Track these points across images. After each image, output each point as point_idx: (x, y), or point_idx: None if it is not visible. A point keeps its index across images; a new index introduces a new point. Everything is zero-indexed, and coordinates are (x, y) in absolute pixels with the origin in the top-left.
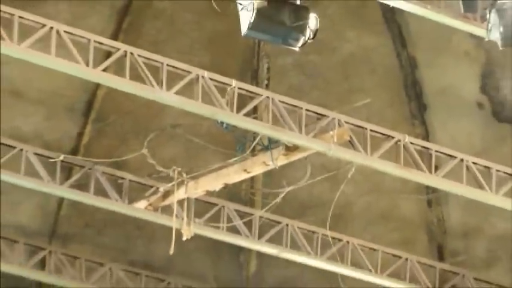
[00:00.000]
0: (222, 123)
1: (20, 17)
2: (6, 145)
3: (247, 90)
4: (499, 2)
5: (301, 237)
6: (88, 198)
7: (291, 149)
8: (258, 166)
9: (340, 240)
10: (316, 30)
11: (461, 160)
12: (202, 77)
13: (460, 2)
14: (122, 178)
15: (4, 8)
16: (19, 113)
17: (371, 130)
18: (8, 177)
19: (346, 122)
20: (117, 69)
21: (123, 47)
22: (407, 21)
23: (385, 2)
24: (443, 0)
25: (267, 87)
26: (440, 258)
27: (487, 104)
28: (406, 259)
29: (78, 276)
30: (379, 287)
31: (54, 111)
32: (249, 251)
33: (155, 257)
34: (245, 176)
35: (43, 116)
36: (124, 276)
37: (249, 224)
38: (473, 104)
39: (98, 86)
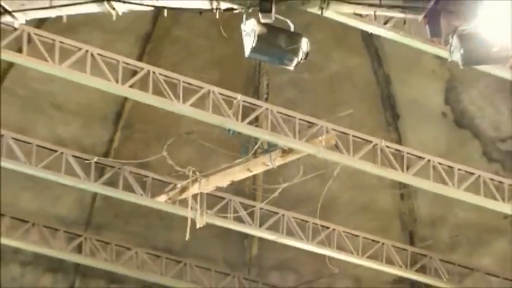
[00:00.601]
0: (229, 130)
1: (61, 42)
2: (49, 149)
3: (250, 103)
4: (459, 28)
5: (295, 225)
6: (117, 193)
7: (286, 151)
8: (259, 166)
9: (327, 228)
10: (308, 52)
11: (429, 161)
12: (213, 92)
13: (427, 28)
14: (146, 176)
15: (47, 34)
16: (60, 122)
17: (353, 136)
18: (50, 175)
19: (333, 129)
20: (142, 85)
21: (146, 67)
22: (383, 45)
23: (364, 29)
24: (413, 26)
25: (267, 100)
26: (411, 243)
27: (449, 114)
28: (383, 244)
29: (109, 258)
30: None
31: (89, 120)
32: (251, 237)
33: (173, 243)
34: (248, 174)
35: (80, 124)
36: (147, 259)
37: (251, 215)
38: (439, 114)
39: (125, 99)
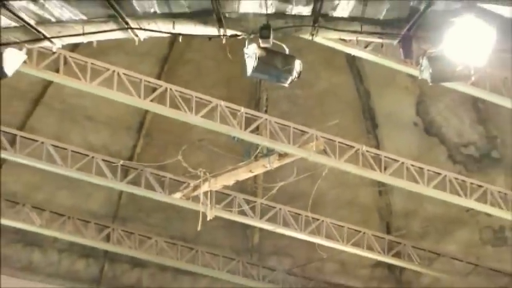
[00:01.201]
0: (234, 137)
1: (92, 63)
2: (82, 154)
3: (251, 114)
4: (428, 51)
5: (290, 217)
6: (140, 191)
7: (282, 155)
8: (259, 168)
9: (317, 219)
10: (300, 72)
11: (402, 163)
12: (220, 105)
13: (401, 51)
14: (164, 177)
15: (80, 56)
16: (91, 131)
17: (339, 142)
18: (83, 176)
19: (321, 137)
20: (160, 100)
21: (164, 84)
22: (363, 65)
23: (348, 52)
24: (389, 49)
25: (266, 112)
26: (388, 232)
27: (420, 123)
28: (364, 233)
29: (133, 246)
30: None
31: (116, 130)
32: (253, 227)
33: (187, 232)
34: (250, 174)
35: (108, 133)
36: (165, 246)
37: (253, 209)
38: (411, 123)
39: (146, 111)
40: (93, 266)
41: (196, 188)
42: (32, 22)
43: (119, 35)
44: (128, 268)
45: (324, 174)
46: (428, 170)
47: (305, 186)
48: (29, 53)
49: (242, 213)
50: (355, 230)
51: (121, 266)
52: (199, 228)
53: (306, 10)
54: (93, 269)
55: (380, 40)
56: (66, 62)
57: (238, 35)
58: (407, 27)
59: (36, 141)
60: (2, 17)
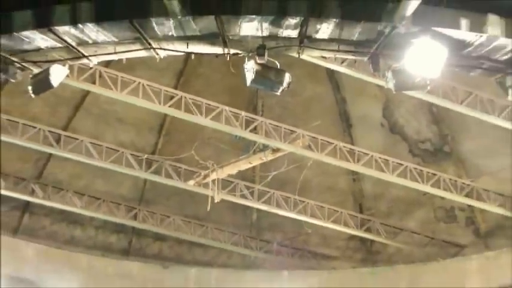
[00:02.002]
0: (236, 136)
1: (122, 76)
2: (114, 149)
3: (250, 117)
4: (392, 66)
5: (282, 200)
6: (160, 179)
7: (275, 150)
8: (257, 160)
9: (303, 201)
10: (289, 83)
11: (372, 156)
12: (225, 110)
13: (371, 66)
14: (180, 167)
15: (112, 71)
16: (121, 131)
17: (321, 139)
18: (115, 167)
19: (307, 135)
20: (177, 105)
21: (180, 93)
22: (341, 77)
23: (328, 66)
24: (361, 65)
25: (262, 115)
26: (360, 211)
27: (386, 124)
28: (341, 212)
29: (155, 223)
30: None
31: (141, 130)
32: (252, 208)
33: (199, 212)
34: (249, 166)
35: (135, 132)
36: (181, 223)
37: (252, 193)
38: (378, 124)
39: (166, 115)
40: (123, 239)
41: (206, 176)
42: (74, 43)
43: (143, 53)
44: (151, 241)
45: (309, 165)
46: (392, 162)
47: (294, 175)
48: (71, 68)
49: (243, 196)
50: (334, 210)
51: (145, 239)
52: (208, 208)
53: (293, 33)
54: (123, 242)
55: (353, 57)
56: (101, 75)
57: (239, 53)
58: (375, 46)
59: (77, 139)
60: (49, 39)
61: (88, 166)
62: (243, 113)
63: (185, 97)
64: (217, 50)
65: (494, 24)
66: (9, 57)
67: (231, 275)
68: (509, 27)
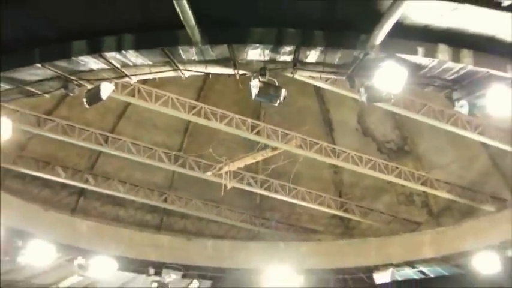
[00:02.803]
0: (244, 138)
1: (155, 91)
2: (150, 148)
3: (254, 123)
4: (365, 83)
5: (279, 187)
6: (185, 171)
7: (274, 149)
8: (260, 156)
9: (296, 188)
10: (285, 97)
11: (348, 153)
12: (235, 117)
13: (348, 83)
14: (200, 162)
15: (148, 87)
16: (155, 134)
17: (309, 140)
18: (150, 161)
19: (298, 137)
20: (198, 114)
21: (200, 104)
22: (325, 92)
23: (315, 84)
24: (341, 82)
25: (264, 121)
26: (340, 196)
27: (360, 129)
28: (325, 196)
29: (181, 205)
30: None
31: (170, 132)
32: (256, 193)
33: (215, 196)
34: (254, 161)
35: (166, 135)
36: (201, 205)
37: (256, 182)
38: (354, 129)
39: (189, 121)
40: (156, 218)
41: (220, 169)
42: (118, 66)
43: (172, 74)
44: (178, 219)
45: (300, 160)
46: (364, 158)
47: (288, 168)
48: (116, 85)
49: (249, 184)
50: (319, 195)
51: (174, 218)
52: (222, 193)
53: (288, 58)
54: (156, 220)
55: (335, 77)
56: (139, 90)
57: (246, 74)
58: (352, 68)
59: (121, 140)
60: (99, 62)
61: (129, 161)
62: (249, 120)
63: (204, 107)
64: (229, 71)
65: (443, 51)
66: (68, 76)
67: (239, 245)
68: (455, 54)
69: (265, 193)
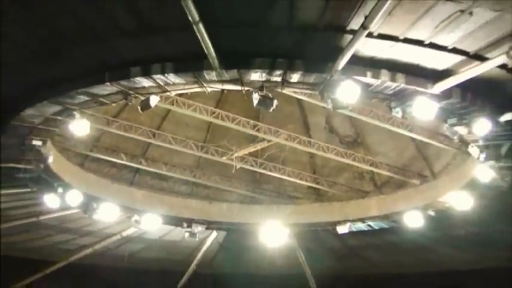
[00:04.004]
0: (248, 133)
1: (188, 101)
2: (183, 140)
3: (255, 123)
4: (331, 96)
5: (272, 167)
6: (208, 156)
7: (269, 141)
8: (259, 146)
9: (284, 168)
10: (276, 105)
11: (320, 144)
12: (242, 119)
13: (319, 96)
14: (218, 149)
15: (182, 98)
16: (187, 130)
17: (293, 135)
18: (183, 149)
19: (286, 133)
20: (217, 117)
21: (218, 110)
22: (304, 102)
23: (297, 96)
24: (315, 95)
25: (262, 122)
26: (314, 173)
27: (327, 127)
28: (304, 173)
29: (206, 179)
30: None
31: (197, 129)
32: (256, 171)
33: (228, 173)
34: (255, 149)
35: (195, 131)
36: (219, 179)
37: (256, 163)
38: (323, 128)
39: (211, 122)
40: (187, 188)
41: (232, 155)
42: (162, 84)
43: (199, 89)
44: (203, 189)
45: (287, 149)
46: (331, 147)
47: (279, 154)
48: (161, 97)
49: (251, 166)
50: (300, 173)
51: (200, 188)
52: (233, 171)
53: (279, 79)
54: (188, 190)
55: (311, 92)
56: (176, 101)
57: (250, 89)
58: (322, 86)
59: (164, 134)
60: (149, 81)
61: (169, 149)
62: (251, 121)
63: (221, 112)
64: (238, 88)
65: (384, 74)
66: (128, 91)
67: (245, 208)
68: (392, 76)
69: (263, 171)
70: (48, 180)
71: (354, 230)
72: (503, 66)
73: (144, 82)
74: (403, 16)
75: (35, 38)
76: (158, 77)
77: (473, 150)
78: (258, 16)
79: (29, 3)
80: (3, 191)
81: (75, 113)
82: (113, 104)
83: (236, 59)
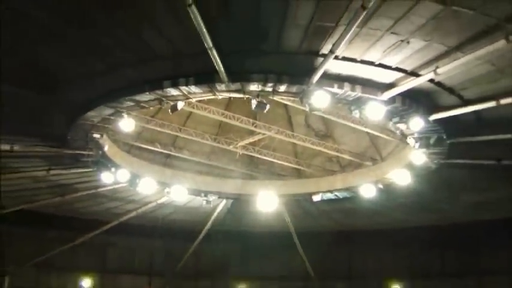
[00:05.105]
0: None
1: (204, 105)
2: (201, 133)
3: (254, 121)
4: (308, 101)
5: (266, 153)
6: (219, 145)
7: (263, 134)
8: (256, 138)
9: (274, 153)
10: (268, 107)
11: (300, 137)
12: (244, 118)
13: (300, 101)
14: (226, 140)
15: (200, 104)
16: (204, 126)
17: (280, 130)
18: (201, 140)
19: (276, 128)
20: (225, 117)
21: (227, 112)
22: (288, 106)
23: (284, 102)
24: (297, 100)
25: (258, 120)
26: (296, 157)
27: (305, 124)
28: (288, 158)
29: (218, 162)
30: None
31: (212, 126)
32: (254, 156)
33: (234, 158)
34: (253, 140)
35: (210, 127)
36: (227, 162)
37: (254, 150)
38: (303, 124)
39: (221, 121)
40: (205, 169)
41: (236, 144)
42: (186, 93)
43: (212, 96)
44: (215, 169)
45: (276, 140)
46: (308, 139)
47: (271, 144)
48: (185, 102)
49: (251, 152)
50: (286, 157)
51: (213, 168)
52: (237, 157)
53: (270, 89)
54: (206, 169)
55: (294, 98)
56: (196, 105)
57: (249, 97)
58: (301, 94)
59: (188, 129)
60: (177, 91)
61: (191, 140)
62: (251, 120)
63: (229, 113)
64: (241, 95)
65: (347, 86)
66: (162, 98)
67: (246, 183)
68: (352, 87)
69: (259, 156)
70: (104, 162)
71: (325, 198)
72: (431, 81)
73: (173, 91)
74: (360, 44)
75: (103, 63)
76: (183, 88)
77: (410, 140)
78: (255, 44)
79: (89, 41)
80: (73, 170)
81: (123, 114)
82: (151, 108)
83: (239, 75)
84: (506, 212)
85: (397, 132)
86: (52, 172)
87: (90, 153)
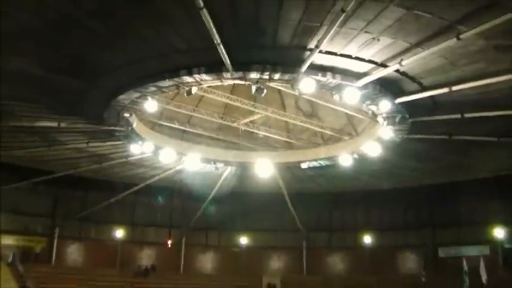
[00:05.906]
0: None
1: (213, 90)
2: (210, 113)
3: (253, 103)
4: (298, 87)
5: (263, 129)
6: (226, 122)
7: (261, 114)
8: (256, 117)
9: (270, 129)
10: (266, 92)
11: (291, 116)
12: (245, 100)
13: (291, 87)
14: (231, 118)
15: (210, 89)
16: (213, 107)
17: (275, 111)
18: (210, 118)
19: (271, 109)
20: (231, 100)
21: (232, 96)
22: (281, 91)
23: (279, 88)
24: (288, 86)
25: (257, 102)
26: (288, 132)
27: (295, 106)
28: (282, 133)
29: (226, 137)
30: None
31: (219, 107)
32: (254, 132)
33: (237, 133)
34: (254, 118)
35: (218, 108)
36: (232, 137)
37: (254, 126)
38: (294, 106)
39: (227, 103)
40: (214, 141)
41: (239, 122)
42: (198, 80)
43: (219, 83)
44: (221, 142)
45: (272, 118)
46: (297, 117)
47: (267, 122)
48: (198, 88)
49: (251, 128)
50: (279, 132)
51: (220, 142)
52: (240, 132)
53: (267, 77)
54: (215, 142)
55: (286, 84)
56: (206, 89)
57: (250, 83)
58: (292, 81)
59: (200, 109)
60: (191, 79)
61: (203, 118)
62: (251, 102)
63: (233, 97)
64: (243, 82)
65: (329, 74)
66: (178, 84)
67: (247, 153)
68: (333, 75)
69: (257, 132)
70: (133, 136)
71: (311, 166)
72: (397, 71)
73: (188, 79)
74: (340, 41)
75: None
76: (196, 76)
77: (380, 119)
78: (255, 40)
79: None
80: (108, 143)
81: (148, 97)
82: (170, 92)
83: (242, 65)
84: (455, 176)
85: (369, 112)
86: (91, 144)
87: (122, 129)
